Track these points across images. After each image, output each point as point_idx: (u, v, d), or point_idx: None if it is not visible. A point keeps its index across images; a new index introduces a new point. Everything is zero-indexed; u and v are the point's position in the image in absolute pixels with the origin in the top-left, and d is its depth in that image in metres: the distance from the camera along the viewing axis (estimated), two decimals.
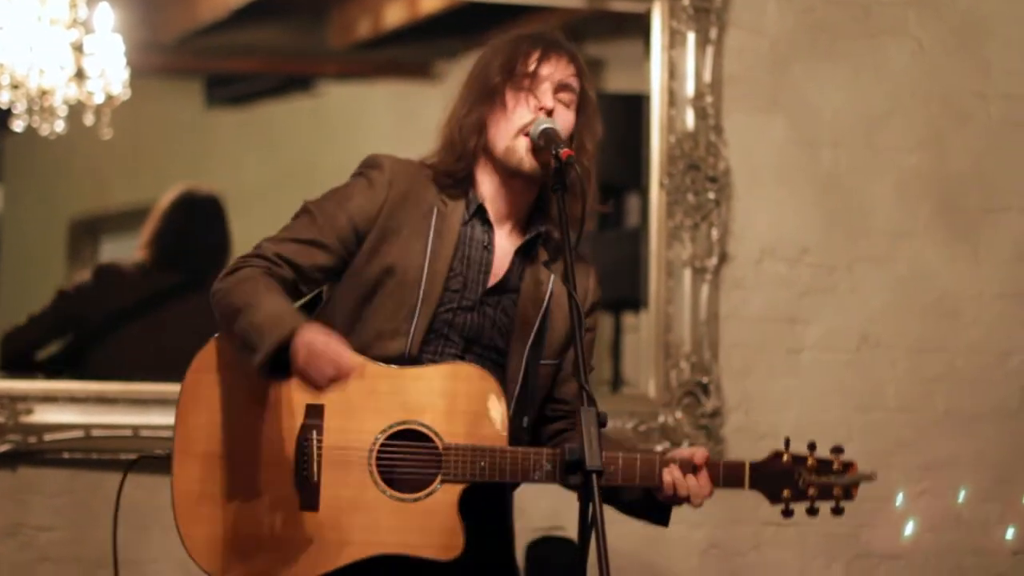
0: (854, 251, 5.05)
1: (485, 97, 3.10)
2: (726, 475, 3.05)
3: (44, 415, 4.59)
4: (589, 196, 3.04)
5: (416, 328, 3.02)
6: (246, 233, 5.16)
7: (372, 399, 2.99)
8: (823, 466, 3.07)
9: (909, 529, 4.96)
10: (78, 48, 4.73)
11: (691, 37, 4.92)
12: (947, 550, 5.02)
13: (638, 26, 4.96)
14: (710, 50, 4.93)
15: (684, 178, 4.90)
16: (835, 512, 3.07)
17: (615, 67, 5.34)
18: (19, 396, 4.58)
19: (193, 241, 5.01)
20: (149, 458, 3.19)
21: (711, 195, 4.91)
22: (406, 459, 2.99)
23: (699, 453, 3.03)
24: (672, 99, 4.91)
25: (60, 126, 4.75)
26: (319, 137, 5.25)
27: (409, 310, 3.03)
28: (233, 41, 5.28)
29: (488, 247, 3.11)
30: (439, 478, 2.97)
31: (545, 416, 3.18)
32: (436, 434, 2.98)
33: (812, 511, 3.08)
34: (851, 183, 5.06)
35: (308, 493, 2.96)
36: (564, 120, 3.08)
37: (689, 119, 4.92)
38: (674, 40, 4.92)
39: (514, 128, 3.07)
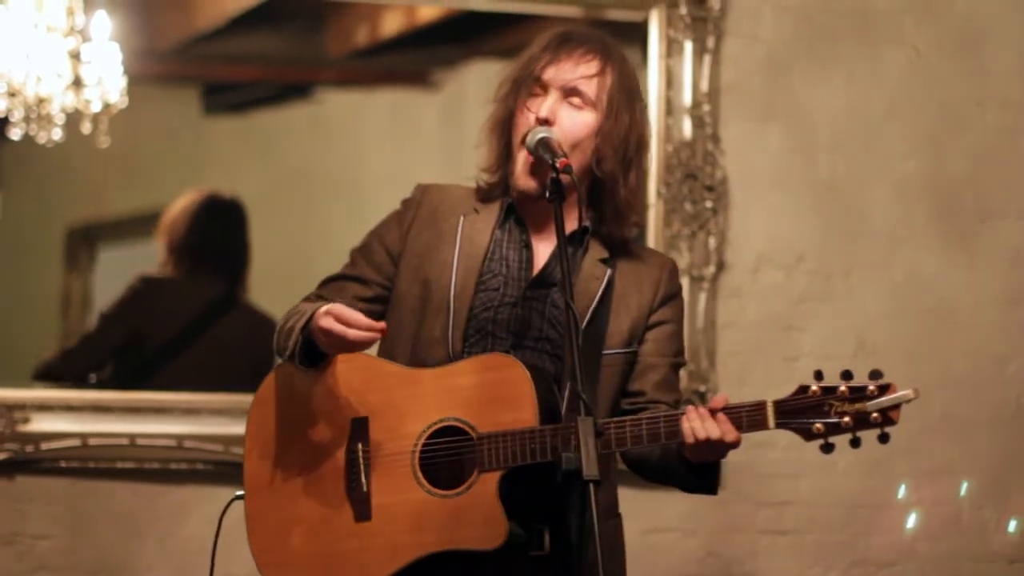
0: (851, 258, 5.05)
1: (503, 99, 3.12)
2: (749, 418, 2.93)
3: (41, 424, 4.59)
4: (620, 191, 3.08)
5: (453, 330, 3.06)
6: None
7: (412, 403, 3.03)
8: (856, 393, 2.87)
9: (911, 522, 4.97)
10: (75, 56, 4.73)
11: (688, 46, 4.92)
12: (944, 556, 5.02)
13: (635, 35, 4.95)
14: (707, 59, 4.93)
15: (681, 187, 4.91)
16: (881, 440, 2.86)
17: None
18: (16, 405, 4.58)
19: (221, 247, 5.02)
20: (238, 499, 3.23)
21: (708, 204, 4.91)
22: (446, 456, 3.00)
23: (716, 398, 2.96)
24: (669, 108, 4.91)
25: (57, 134, 4.76)
26: (317, 145, 5.25)
27: (444, 315, 3.07)
28: (230, 49, 5.27)
29: (527, 245, 3.13)
30: (476, 469, 2.97)
31: (622, 411, 3.13)
32: (471, 426, 2.98)
33: (855, 442, 2.89)
34: (848, 190, 5.06)
35: (360, 504, 3.03)
36: (570, 125, 3.06)
37: (686, 128, 4.92)
38: (671, 49, 4.92)
39: (519, 137, 3.08)
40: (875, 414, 2.87)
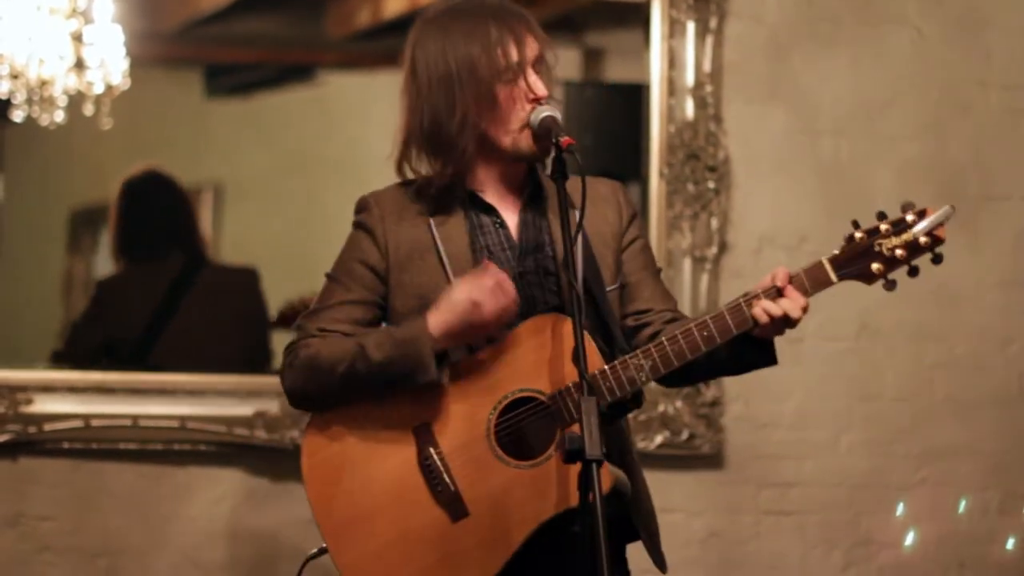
0: None
1: (472, 97, 3.05)
2: (811, 281, 2.99)
3: (44, 405, 4.59)
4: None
5: None
6: (246, 223, 5.18)
7: (467, 391, 3.01)
8: (899, 225, 2.98)
9: (910, 540, 4.97)
10: (78, 38, 4.73)
11: (691, 26, 4.91)
12: (946, 538, 5.03)
13: (638, 16, 4.96)
14: (710, 39, 4.92)
15: (684, 168, 4.90)
16: (935, 261, 2.98)
17: (615, 57, 5.33)
18: (19, 386, 4.58)
19: (157, 222, 4.99)
20: (317, 555, 3.19)
21: (711, 184, 4.91)
22: (524, 427, 2.99)
23: (778, 274, 3.00)
24: (672, 89, 4.90)
25: (60, 116, 4.76)
26: (319, 127, 5.26)
27: None
28: (233, 31, 5.27)
29: (499, 224, 3.12)
30: (559, 427, 2.95)
31: (629, 331, 3.14)
32: (538, 391, 2.98)
33: (912, 271, 2.98)
34: (851, 172, 5.06)
35: (453, 504, 2.99)
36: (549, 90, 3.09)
37: (689, 108, 4.91)
38: (674, 29, 4.91)
39: (517, 124, 3.05)
40: (923, 238, 2.96)
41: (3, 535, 4.61)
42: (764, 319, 2.96)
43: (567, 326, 2.95)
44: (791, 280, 2.98)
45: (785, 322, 2.97)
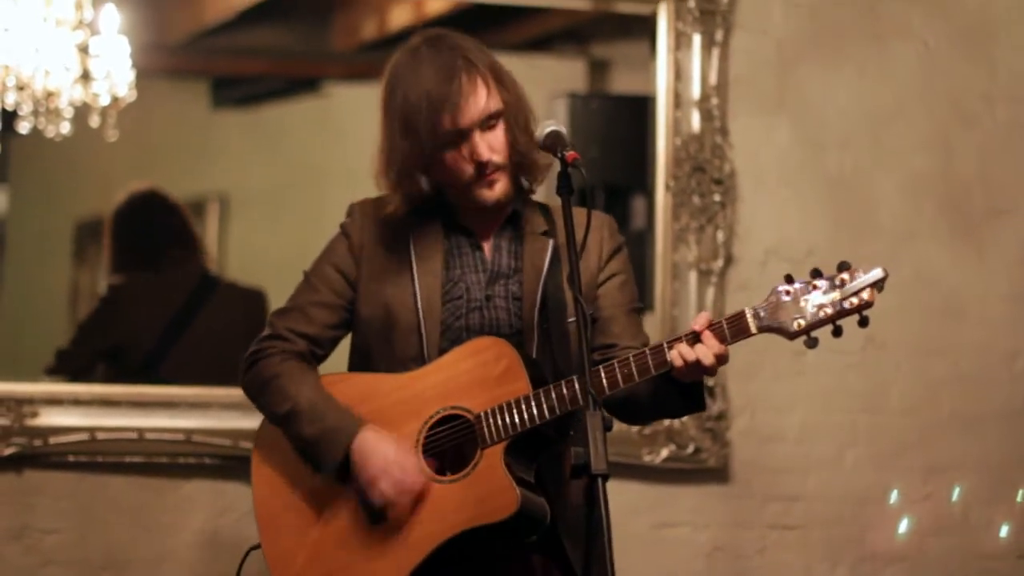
0: (859, 253, 4.97)
1: (419, 156, 3.10)
2: (731, 329, 2.98)
3: (49, 418, 4.58)
4: (532, 153, 3.11)
5: (428, 347, 3.13)
6: (252, 234, 5.18)
7: (404, 405, 3.12)
8: (829, 284, 2.94)
9: (903, 527, 4.96)
10: (84, 50, 4.73)
11: (697, 39, 4.91)
12: (952, 553, 5.02)
13: (644, 28, 4.95)
14: (716, 52, 4.92)
15: (690, 180, 4.90)
16: (861, 324, 2.94)
17: (621, 69, 5.34)
18: (24, 399, 4.56)
19: (161, 239, 4.98)
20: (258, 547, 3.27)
21: (717, 197, 4.91)
22: (449, 443, 3.08)
23: (699, 319, 2.99)
24: (678, 101, 4.90)
25: (66, 128, 4.76)
26: (325, 139, 5.27)
27: (416, 335, 3.13)
28: (239, 43, 5.29)
29: (476, 246, 3.20)
30: (479, 447, 3.04)
31: (595, 364, 3.14)
32: (466, 410, 3.06)
33: (837, 332, 2.96)
34: (856, 185, 5.05)
35: (374, 510, 3.10)
36: (500, 143, 3.10)
37: (695, 121, 4.91)
38: (680, 42, 4.91)
39: (463, 182, 3.12)
40: (852, 299, 2.93)
41: (8, 548, 4.60)
42: (679, 363, 2.97)
43: (506, 350, 3.06)
44: (712, 327, 2.98)
45: (699, 367, 2.97)
